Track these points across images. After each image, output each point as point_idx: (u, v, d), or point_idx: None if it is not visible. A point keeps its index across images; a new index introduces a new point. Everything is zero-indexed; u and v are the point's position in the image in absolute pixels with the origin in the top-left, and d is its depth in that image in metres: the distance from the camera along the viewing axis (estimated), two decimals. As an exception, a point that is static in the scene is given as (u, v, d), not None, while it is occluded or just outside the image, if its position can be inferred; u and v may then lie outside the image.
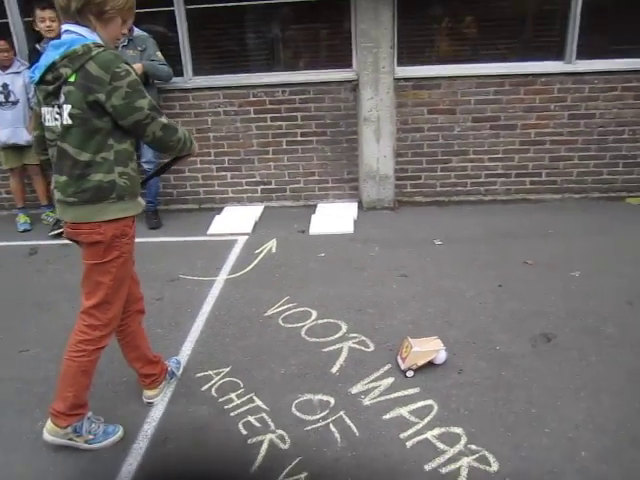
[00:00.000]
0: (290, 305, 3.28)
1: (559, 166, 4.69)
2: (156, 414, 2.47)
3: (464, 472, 2.07)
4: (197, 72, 4.70)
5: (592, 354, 2.70)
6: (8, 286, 3.75)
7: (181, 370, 2.73)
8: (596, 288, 3.29)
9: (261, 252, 4.03)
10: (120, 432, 2.33)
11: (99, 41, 1.92)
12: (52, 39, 4.21)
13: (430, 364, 2.62)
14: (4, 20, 4.61)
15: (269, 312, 3.22)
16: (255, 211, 4.78)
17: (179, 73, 4.63)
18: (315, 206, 4.83)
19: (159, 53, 4.37)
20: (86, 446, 2.24)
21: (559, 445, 2.17)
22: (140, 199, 2.18)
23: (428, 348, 2.62)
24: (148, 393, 2.53)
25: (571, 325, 2.94)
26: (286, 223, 4.52)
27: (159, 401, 2.53)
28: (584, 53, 4.44)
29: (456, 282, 3.43)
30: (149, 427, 2.39)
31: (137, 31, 4.33)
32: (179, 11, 4.50)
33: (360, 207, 4.76)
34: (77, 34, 1.91)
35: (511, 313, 3.07)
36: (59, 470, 2.20)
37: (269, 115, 4.70)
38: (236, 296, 3.42)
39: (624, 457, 2.10)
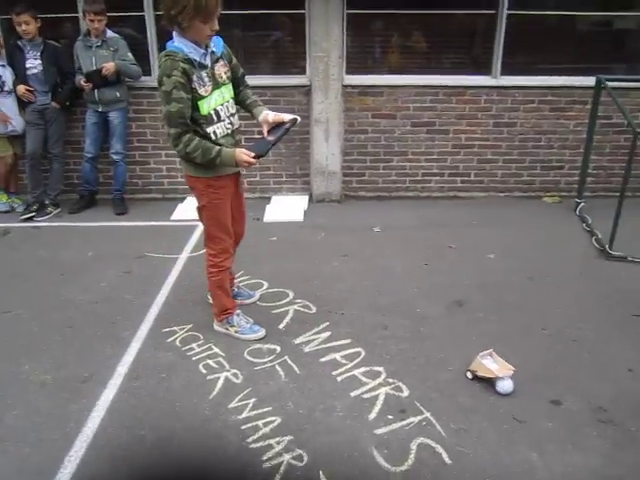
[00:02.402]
0: (244, 277, 3.75)
1: (486, 167, 5.33)
2: (128, 358, 2.91)
3: (382, 397, 2.61)
4: (164, 72, 5.12)
5: (494, 315, 3.30)
6: (-14, 261, 4.09)
7: (251, 300, 3.44)
8: (505, 267, 3.90)
9: (220, 235, 4.48)
10: (263, 332, 3.08)
11: (180, 45, 2.50)
12: (30, 40, 4.61)
13: (491, 384, 2.64)
14: (-18, 17, 4.93)
15: (226, 282, 3.69)
16: (215, 201, 5.21)
17: (147, 73, 5.05)
18: (270, 198, 5.31)
19: (130, 54, 4.80)
20: (237, 335, 3.06)
21: (458, 378, 2.74)
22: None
23: (491, 367, 2.63)
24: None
25: (480, 294, 3.53)
26: (243, 212, 4.99)
27: (135, 348, 2.98)
28: (508, 70, 5.10)
29: (389, 261, 3.98)
30: (123, 368, 2.83)
31: (110, 33, 4.73)
32: (149, 16, 4.93)
33: (310, 200, 5.27)
34: (172, 39, 2.53)
35: (432, 285, 3.64)
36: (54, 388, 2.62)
37: (229, 114, 5.16)
38: (197, 270, 3.83)
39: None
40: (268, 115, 2.73)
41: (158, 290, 3.61)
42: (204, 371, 2.80)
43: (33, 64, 4.76)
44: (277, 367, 2.82)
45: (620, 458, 2.26)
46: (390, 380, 2.72)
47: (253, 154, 2.60)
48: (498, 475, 2.17)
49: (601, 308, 3.38)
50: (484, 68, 5.15)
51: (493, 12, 4.96)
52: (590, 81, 4.77)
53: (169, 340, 3.06)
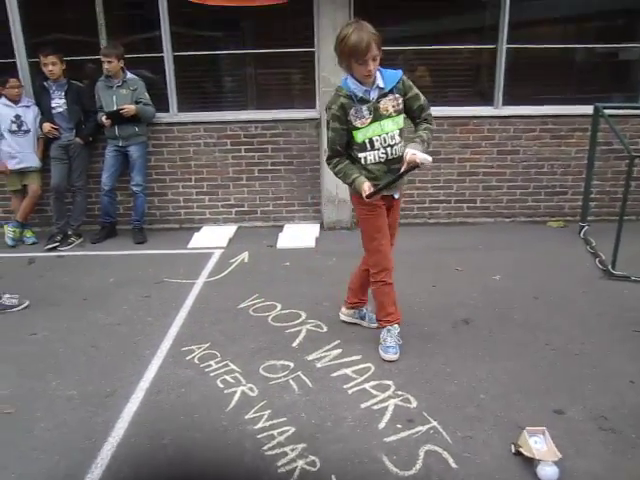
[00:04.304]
0: (259, 300, 3.92)
1: (491, 194, 5.50)
2: (149, 375, 3.06)
3: (391, 408, 2.72)
4: (181, 109, 5.42)
5: (499, 332, 3.42)
6: (15, 287, 4.25)
7: (368, 323, 3.53)
8: (511, 287, 4.03)
9: (235, 261, 4.68)
10: (391, 357, 3.15)
11: (348, 82, 2.87)
12: (55, 80, 4.90)
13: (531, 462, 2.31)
14: (12, 60, 5.27)
15: (241, 305, 3.86)
16: (229, 230, 5.44)
17: (166, 109, 5.35)
18: (282, 226, 5.52)
19: (146, 94, 5.11)
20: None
21: (464, 391, 2.85)
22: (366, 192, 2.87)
23: (536, 447, 2.32)
24: (344, 310, 3.59)
25: (486, 313, 3.66)
26: (257, 239, 5.20)
27: (156, 365, 3.13)
28: (509, 100, 5.33)
29: (399, 284, 4.03)
30: (145, 384, 2.98)
31: (129, 74, 5.06)
32: (167, 57, 5.25)
33: (322, 227, 5.47)
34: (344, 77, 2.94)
35: (440, 305, 3.78)
36: (80, 402, 2.78)
37: (243, 147, 5.43)
38: (213, 294, 4.05)
39: (512, 398, 2.78)
40: (407, 153, 2.83)
41: (177, 312, 3.78)
42: (221, 386, 2.94)
43: (58, 103, 5.07)
44: (291, 381, 2.96)
45: (621, 463, 2.35)
46: (399, 392, 2.84)
47: (367, 192, 2.87)
48: (503, 478, 2.27)
49: (603, 325, 3.48)
50: (486, 99, 5.38)
51: (493, 47, 5.22)
52: (589, 109, 4.96)
53: (188, 358, 3.22)
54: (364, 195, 2.86)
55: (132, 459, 2.44)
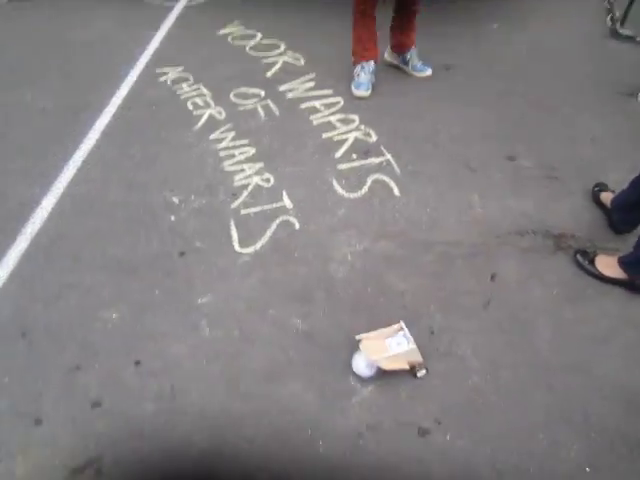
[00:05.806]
0: (240, 28, 3.76)
1: None
2: (122, 93, 3.11)
3: (351, 140, 2.83)
4: None
5: (479, 80, 3.31)
6: None
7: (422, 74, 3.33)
8: (507, 39, 3.76)
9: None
10: (362, 93, 3.11)
11: None
12: None
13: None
14: None
15: (221, 32, 3.72)
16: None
17: None
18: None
19: None
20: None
21: (426, 130, 2.90)
22: None
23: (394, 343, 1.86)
24: (388, 49, 3.37)
25: (471, 61, 3.48)
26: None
27: (129, 84, 3.16)
28: None
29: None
30: (117, 100, 3.06)
31: None
32: None
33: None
34: None
35: (424, 50, 3.57)
36: (54, 114, 2.89)
37: None
38: (194, 16, 3.88)
39: (470, 141, 2.85)
40: None
41: (154, 34, 3.67)
42: (191, 107, 3.01)
43: None
44: (259, 108, 3.02)
45: (551, 207, 2.52)
46: (362, 127, 2.91)
47: None
48: (437, 206, 2.47)
49: (589, 83, 3.37)
50: None
51: None
52: None
53: (161, 79, 3.23)
54: None
55: (101, 164, 2.63)
